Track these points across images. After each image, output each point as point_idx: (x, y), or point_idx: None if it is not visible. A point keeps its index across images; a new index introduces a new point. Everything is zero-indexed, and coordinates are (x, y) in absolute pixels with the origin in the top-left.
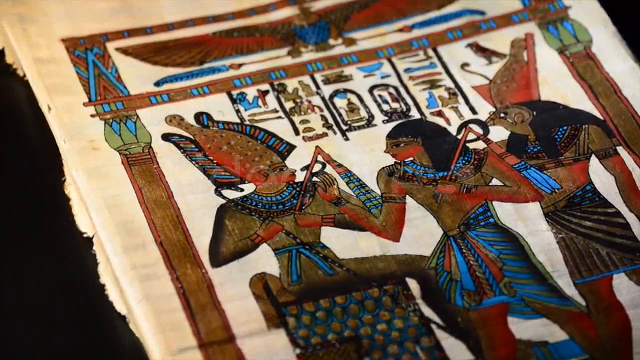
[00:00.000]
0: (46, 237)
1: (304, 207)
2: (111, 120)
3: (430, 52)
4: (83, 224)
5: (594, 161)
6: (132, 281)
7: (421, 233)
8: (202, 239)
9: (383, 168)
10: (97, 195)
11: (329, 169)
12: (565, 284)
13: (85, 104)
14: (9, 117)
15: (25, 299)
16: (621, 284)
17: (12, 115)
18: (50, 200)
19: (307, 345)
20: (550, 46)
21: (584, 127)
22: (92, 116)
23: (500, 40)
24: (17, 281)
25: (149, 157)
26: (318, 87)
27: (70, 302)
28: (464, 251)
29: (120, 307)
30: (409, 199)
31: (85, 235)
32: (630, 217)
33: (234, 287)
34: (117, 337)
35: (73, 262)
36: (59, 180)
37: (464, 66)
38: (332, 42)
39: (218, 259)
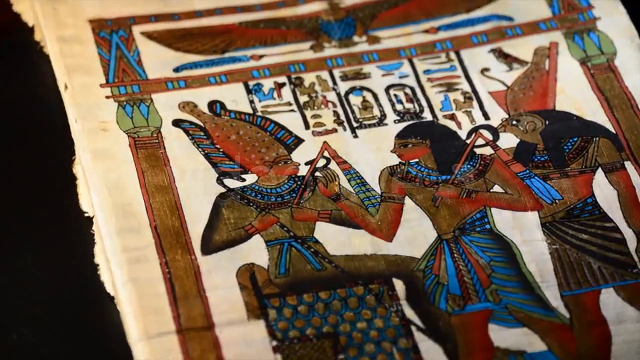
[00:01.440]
0: (50, 213)
1: (302, 201)
2: (125, 103)
3: (452, 55)
4: (85, 204)
5: (599, 174)
6: (121, 263)
7: (415, 234)
8: (197, 226)
9: (386, 167)
10: (100, 176)
11: (332, 165)
12: (552, 295)
13: (101, 85)
14: (32, 93)
15: (22, 272)
16: (608, 298)
17: (36, 92)
18: (60, 178)
19: (284, 337)
20: (572, 56)
21: (594, 139)
22: (107, 97)
23: (524, 47)
24: (16, 256)
25: (157, 141)
26: (335, 82)
27: (65, 279)
28: (455, 255)
29: (109, 288)
30: (407, 200)
31: (86, 215)
32: (628, 233)
33: (220, 276)
34: (105, 317)
35: (73, 240)
36: (69, 159)
37: (484, 71)
38: (356, 38)
39: (209, 247)
